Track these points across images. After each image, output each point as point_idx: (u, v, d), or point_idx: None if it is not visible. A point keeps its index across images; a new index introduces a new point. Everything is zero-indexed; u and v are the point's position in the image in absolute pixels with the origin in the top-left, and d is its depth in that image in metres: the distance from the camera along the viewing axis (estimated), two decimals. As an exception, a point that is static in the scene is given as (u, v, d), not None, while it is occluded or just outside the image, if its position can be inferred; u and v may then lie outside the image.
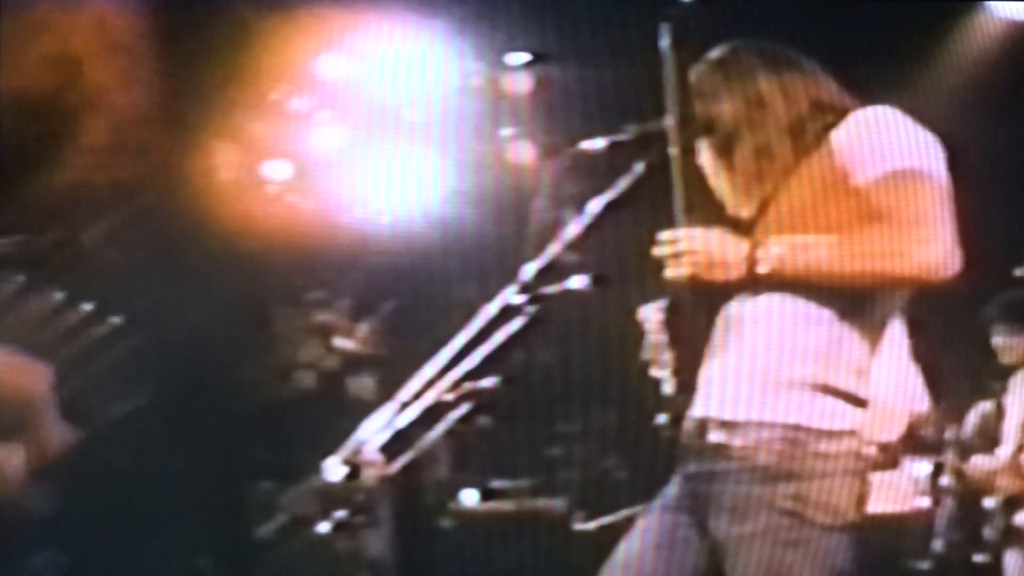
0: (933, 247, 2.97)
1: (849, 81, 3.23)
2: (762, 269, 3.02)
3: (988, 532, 5.87)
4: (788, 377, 3.06)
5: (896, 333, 3.18)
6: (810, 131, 3.13)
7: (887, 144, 3.04)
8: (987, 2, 6.08)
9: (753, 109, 3.16)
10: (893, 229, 2.98)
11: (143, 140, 5.38)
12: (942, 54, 5.98)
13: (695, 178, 3.16)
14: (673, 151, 3.12)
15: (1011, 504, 5.88)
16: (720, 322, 3.16)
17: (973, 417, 6.09)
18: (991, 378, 6.08)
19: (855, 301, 3.06)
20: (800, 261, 3.01)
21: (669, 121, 3.14)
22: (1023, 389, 5.97)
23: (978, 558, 5.83)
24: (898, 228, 2.98)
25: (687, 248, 3.05)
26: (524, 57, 5.80)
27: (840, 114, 3.13)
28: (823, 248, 3.01)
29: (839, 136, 3.09)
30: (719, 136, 3.19)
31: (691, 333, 3.18)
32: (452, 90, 5.98)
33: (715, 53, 3.23)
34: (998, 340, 6.01)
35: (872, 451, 3.14)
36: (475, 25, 5.74)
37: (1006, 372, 6.06)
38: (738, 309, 3.14)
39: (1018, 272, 5.88)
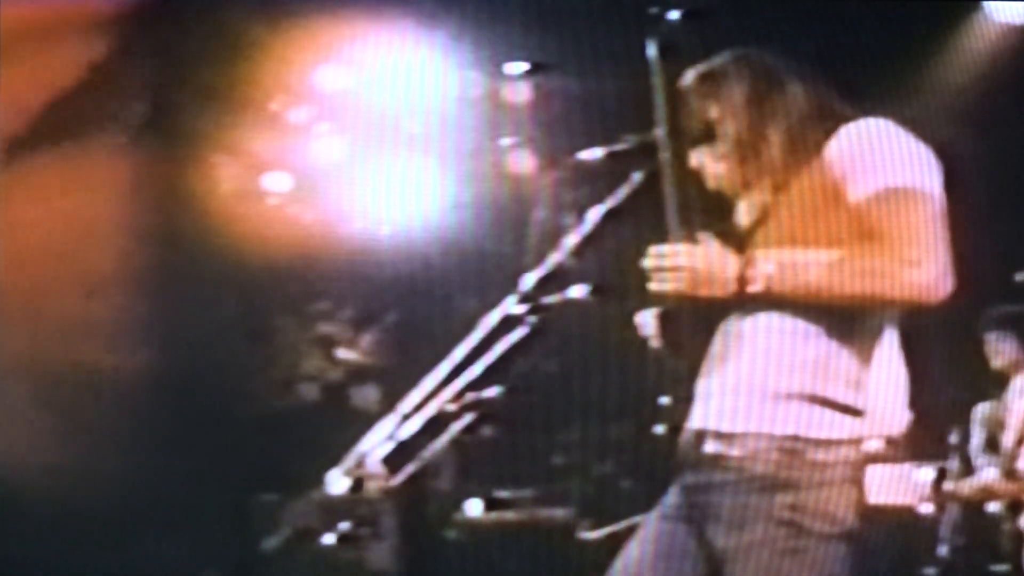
0: (925, 270, 2.97)
1: (843, 91, 3.23)
2: (753, 289, 3.03)
3: (1003, 542, 5.87)
4: (785, 390, 3.06)
5: (893, 341, 3.18)
6: (808, 139, 3.13)
7: (881, 159, 3.04)
8: (986, 2, 6.07)
9: (749, 117, 3.16)
10: (885, 249, 2.98)
11: (142, 153, 5.38)
12: (940, 59, 5.98)
13: (688, 188, 3.16)
14: (664, 162, 3.13)
15: (1015, 509, 5.87)
16: (717, 338, 3.16)
17: (974, 422, 6.10)
18: (990, 384, 6.09)
19: (848, 316, 3.06)
20: (790, 280, 3.01)
21: (660, 131, 3.15)
22: (1020, 397, 5.99)
23: (997, 567, 5.82)
24: (890, 249, 2.98)
25: (678, 265, 3.05)
26: (523, 66, 5.80)
27: (837, 123, 3.13)
28: (813, 268, 3.00)
29: (832, 149, 3.08)
30: (715, 145, 3.19)
31: (686, 342, 3.18)
32: (451, 100, 5.98)
33: (713, 61, 3.22)
34: (988, 346, 6.04)
35: (874, 446, 3.14)
36: (474, 35, 5.74)
37: (1004, 378, 6.07)
38: (733, 325, 3.14)
39: (1019, 277, 5.88)
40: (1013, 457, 5.92)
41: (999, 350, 6.03)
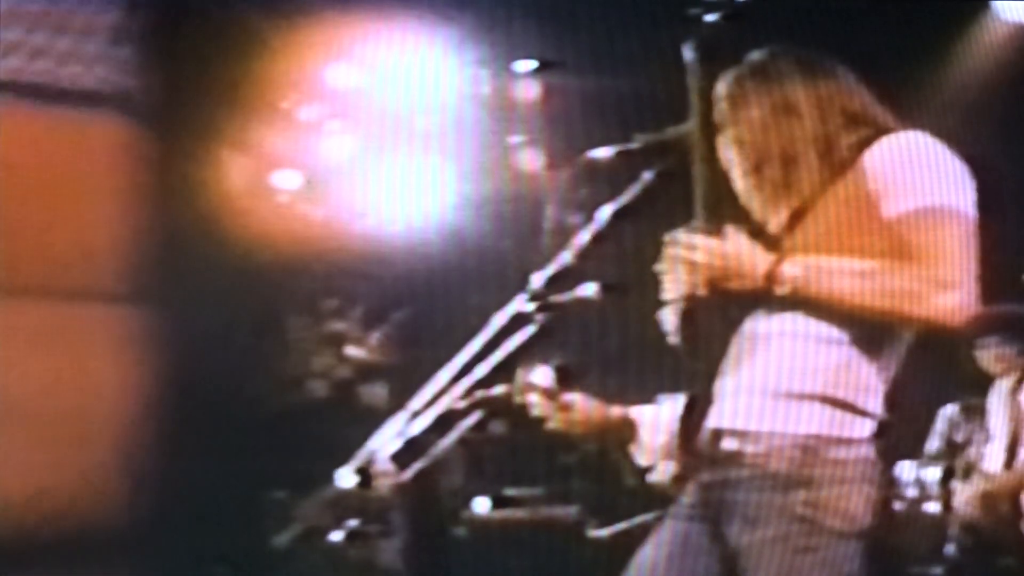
0: (956, 293, 2.96)
1: (878, 95, 3.21)
2: (780, 290, 3.03)
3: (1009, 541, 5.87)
4: (807, 391, 3.06)
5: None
6: (842, 145, 3.11)
7: (919, 176, 3.02)
8: (994, 1, 6.07)
9: (783, 119, 3.15)
10: (916, 269, 2.97)
11: (153, 150, 5.39)
12: (946, 59, 5.98)
13: (717, 184, 3.16)
14: (694, 158, 3.12)
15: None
16: (737, 340, 3.16)
17: (965, 424, 6.10)
18: (980, 386, 6.08)
19: (871, 327, 3.05)
20: (819, 286, 3.01)
21: (691, 127, 3.14)
22: (1009, 398, 5.98)
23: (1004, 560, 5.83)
24: (921, 268, 2.97)
25: (704, 258, 3.06)
26: (532, 64, 5.81)
27: (874, 129, 3.11)
28: (844, 278, 2.99)
29: (870, 160, 3.06)
30: (747, 145, 3.18)
31: (706, 340, 3.18)
32: (461, 98, 6.00)
33: (751, 59, 3.21)
34: (987, 352, 6.00)
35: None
36: (483, 33, 5.76)
37: (989, 379, 6.05)
38: (754, 327, 3.14)
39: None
40: (1012, 454, 5.93)
41: (1000, 354, 5.99)
